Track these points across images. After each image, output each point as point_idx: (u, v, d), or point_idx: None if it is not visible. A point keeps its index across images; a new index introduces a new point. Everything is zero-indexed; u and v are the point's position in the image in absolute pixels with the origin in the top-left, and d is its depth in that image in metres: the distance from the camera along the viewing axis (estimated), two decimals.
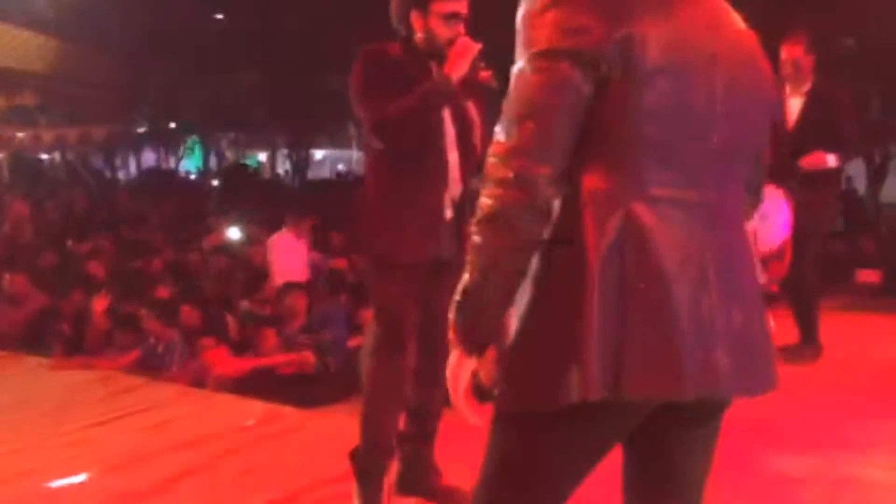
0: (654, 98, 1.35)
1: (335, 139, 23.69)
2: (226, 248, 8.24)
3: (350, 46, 3.08)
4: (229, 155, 25.15)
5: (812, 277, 4.88)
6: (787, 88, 4.79)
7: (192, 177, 23.44)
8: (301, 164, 21.13)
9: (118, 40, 17.21)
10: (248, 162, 25.06)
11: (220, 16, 17.25)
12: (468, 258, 1.39)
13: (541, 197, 1.33)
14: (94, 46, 16.92)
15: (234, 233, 8.92)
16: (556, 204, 1.37)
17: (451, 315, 1.41)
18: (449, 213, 2.75)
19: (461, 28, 2.70)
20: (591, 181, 1.37)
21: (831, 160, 4.70)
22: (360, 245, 2.91)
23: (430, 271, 2.74)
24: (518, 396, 1.41)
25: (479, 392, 1.44)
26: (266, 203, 11.85)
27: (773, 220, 4.39)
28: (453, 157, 2.77)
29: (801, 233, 4.57)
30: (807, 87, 4.77)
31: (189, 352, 5.31)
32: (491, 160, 1.36)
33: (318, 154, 27.58)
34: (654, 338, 1.34)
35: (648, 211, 1.35)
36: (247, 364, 5.00)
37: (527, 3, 1.40)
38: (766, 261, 4.85)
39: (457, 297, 1.40)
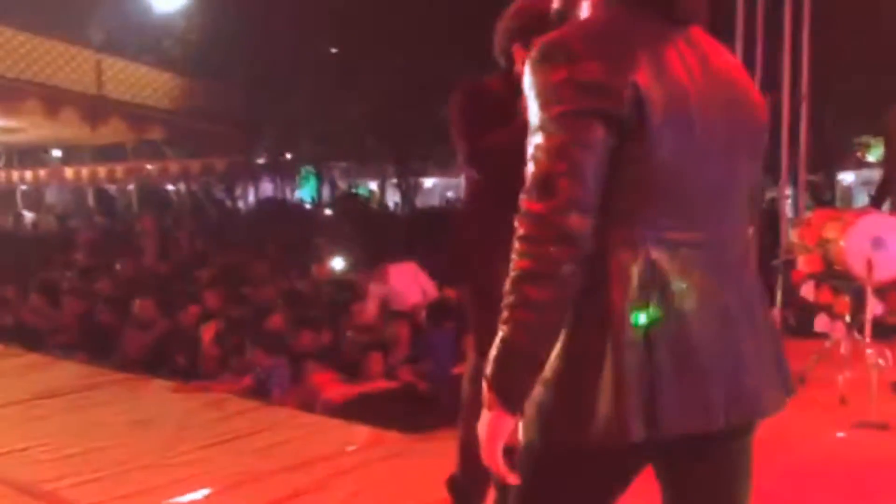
0: (662, 148, 1.42)
1: (444, 167, 24.00)
2: (335, 276, 8.46)
3: (456, 77, 3.15)
4: (341, 184, 25.82)
5: None
6: None
7: (307, 206, 24.17)
8: (410, 192, 21.50)
9: (239, 76, 18.00)
10: (360, 191, 25.65)
11: (334, 50, 17.83)
12: (505, 316, 1.41)
13: (585, 249, 1.39)
14: (216, 83, 17.74)
15: (341, 262, 9.12)
16: None
17: (490, 373, 1.43)
18: None
19: None
20: (612, 229, 1.43)
21: None
22: (459, 276, 2.96)
23: None
24: (560, 437, 1.47)
25: (508, 451, 1.46)
26: (375, 231, 12.10)
27: (891, 249, 4.23)
28: None
29: None
30: None
31: (297, 377, 5.48)
32: (528, 219, 1.40)
33: (428, 182, 27.96)
34: (682, 376, 1.42)
35: (666, 255, 1.43)
36: (353, 389, 5.13)
37: (536, 66, 1.45)
38: (885, 290, 4.66)
39: (496, 355, 1.42)
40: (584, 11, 1.56)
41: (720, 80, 1.51)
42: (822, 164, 12.81)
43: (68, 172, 23.71)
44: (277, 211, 19.61)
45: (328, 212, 20.10)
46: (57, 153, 26.02)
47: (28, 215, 22.40)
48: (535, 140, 1.44)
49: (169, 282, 8.87)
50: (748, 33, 6.57)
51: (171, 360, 6.35)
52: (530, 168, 1.44)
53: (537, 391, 1.46)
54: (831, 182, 14.76)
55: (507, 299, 1.40)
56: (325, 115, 18.11)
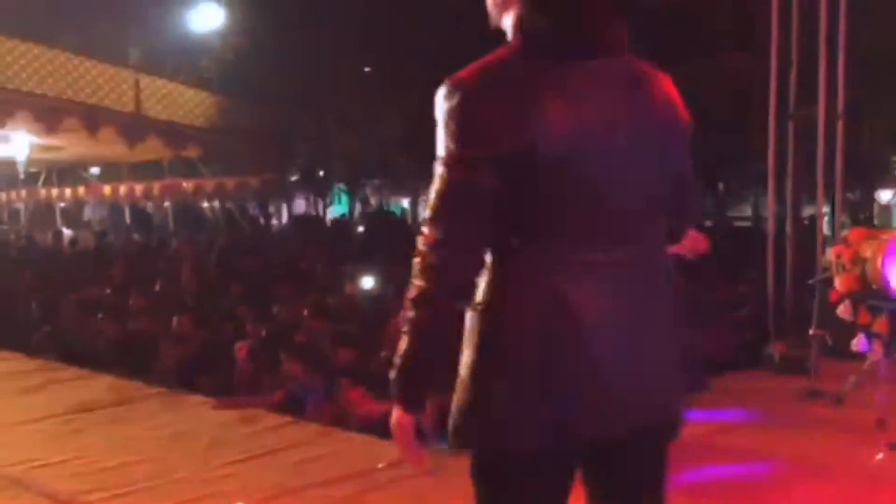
0: (561, 179, 1.54)
1: None
2: (368, 293, 8.49)
3: None
4: (374, 202, 25.94)
5: None
6: None
7: (340, 222, 24.29)
8: None
9: (273, 95, 18.22)
10: (392, 209, 25.74)
11: (367, 69, 17.98)
12: (404, 329, 1.60)
13: (463, 279, 1.57)
14: (251, 101, 17.97)
15: (371, 280, 9.14)
16: (484, 276, 1.60)
17: (391, 377, 1.62)
18: None
19: None
20: (511, 253, 1.59)
21: None
22: None
23: None
24: (474, 446, 1.66)
25: (422, 437, 1.65)
26: (408, 248, 12.12)
27: None
28: None
29: None
30: None
31: (330, 393, 5.50)
32: (421, 248, 1.57)
33: None
34: (585, 386, 1.57)
35: (564, 276, 1.57)
36: (386, 406, 5.13)
37: (441, 103, 1.58)
38: None
39: (396, 362, 1.61)
40: (509, 35, 1.66)
41: (640, 103, 1.62)
42: (860, 181, 12.65)
43: (106, 189, 24.13)
44: (310, 227, 19.75)
45: (361, 229, 20.21)
46: (95, 170, 26.48)
47: (67, 232, 22.79)
48: (435, 170, 1.59)
49: (203, 298, 8.96)
50: (783, 50, 6.53)
51: (206, 375, 6.40)
52: (430, 193, 1.60)
53: (454, 401, 1.64)
54: (869, 200, 14.56)
55: (405, 316, 1.60)
56: (358, 132, 18.24)
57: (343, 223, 21.61)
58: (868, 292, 4.20)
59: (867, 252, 4.14)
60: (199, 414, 5.37)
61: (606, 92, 1.59)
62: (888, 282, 4.14)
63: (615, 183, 1.58)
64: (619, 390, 1.58)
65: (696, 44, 10.65)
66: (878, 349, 4.62)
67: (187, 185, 22.09)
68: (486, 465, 1.66)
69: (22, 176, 20.76)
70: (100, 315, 8.15)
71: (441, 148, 1.58)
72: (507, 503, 1.65)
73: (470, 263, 1.58)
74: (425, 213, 1.60)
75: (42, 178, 25.71)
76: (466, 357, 1.62)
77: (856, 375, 4.78)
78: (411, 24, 14.71)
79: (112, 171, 25.00)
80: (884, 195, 19.36)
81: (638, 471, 1.71)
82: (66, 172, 25.50)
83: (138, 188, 22.97)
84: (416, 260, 1.58)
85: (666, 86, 1.70)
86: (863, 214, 13.62)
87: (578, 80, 1.57)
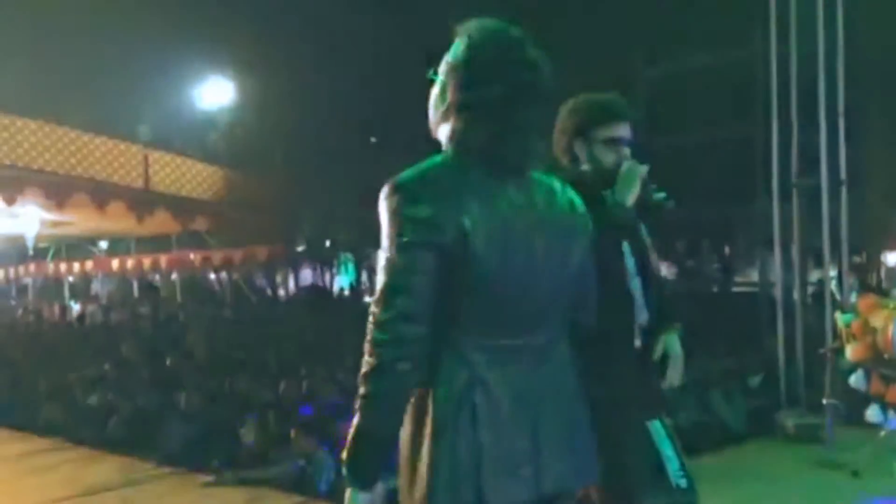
0: (484, 273, 1.79)
1: None
2: None
3: None
4: None
5: None
6: None
7: (346, 292, 24.34)
8: None
9: (279, 166, 18.45)
10: None
11: (374, 139, 18.23)
12: (356, 406, 1.75)
13: (414, 353, 1.75)
14: (257, 173, 18.20)
15: None
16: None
17: (345, 457, 1.76)
18: (638, 342, 2.66)
19: (626, 152, 2.67)
20: (444, 335, 1.80)
21: None
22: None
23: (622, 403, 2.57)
24: None
25: None
26: None
27: None
28: (636, 283, 2.69)
29: None
30: None
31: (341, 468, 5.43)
32: (372, 327, 1.76)
33: None
34: (497, 457, 1.79)
35: (485, 358, 1.82)
36: None
37: (385, 200, 1.83)
38: None
39: (349, 439, 1.75)
40: (444, 145, 1.93)
41: (552, 215, 1.91)
42: (866, 244, 12.65)
43: (114, 263, 24.25)
44: (317, 298, 19.75)
45: (367, 299, 20.21)
46: (103, 244, 26.69)
47: (75, 306, 22.85)
48: (381, 256, 1.81)
49: (211, 372, 8.93)
50: (783, 119, 6.62)
51: (213, 452, 6.34)
52: (377, 280, 1.80)
53: (399, 469, 1.82)
54: (876, 263, 14.54)
55: (359, 391, 1.75)
56: (363, 202, 18.38)
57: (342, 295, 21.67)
58: (880, 361, 4.18)
59: (877, 321, 4.13)
60: (205, 495, 5.32)
61: (525, 203, 1.88)
62: None
63: (527, 283, 1.85)
64: (526, 460, 1.82)
65: (697, 115, 10.80)
66: (893, 419, 4.57)
67: (195, 257, 22.19)
68: None
69: (31, 252, 20.93)
70: (108, 395, 8.11)
71: (386, 239, 1.81)
72: None
73: (414, 340, 1.76)
74: (374, 296, 1.79)
75: (51, 252, 25.90)
76: (405, 430, 1.83)
77: (872, 445, 4.72)
78: (420, 96, 14.95)
79: (120, 245, 25.19)
80: (891, 257, 19.34)
81: None
82: (75, 247, 25.70)
83: (146, 261, 23.08)
84: (367, 339, 1.76)
85: (573, 197, 2.01)
86: (870, 278, 13.60)
87: (501, 191, 1.85)
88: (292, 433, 5.86)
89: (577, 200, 2.00)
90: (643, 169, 2.61)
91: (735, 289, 15.98)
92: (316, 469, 5.54)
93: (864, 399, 4.80)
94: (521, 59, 1.89)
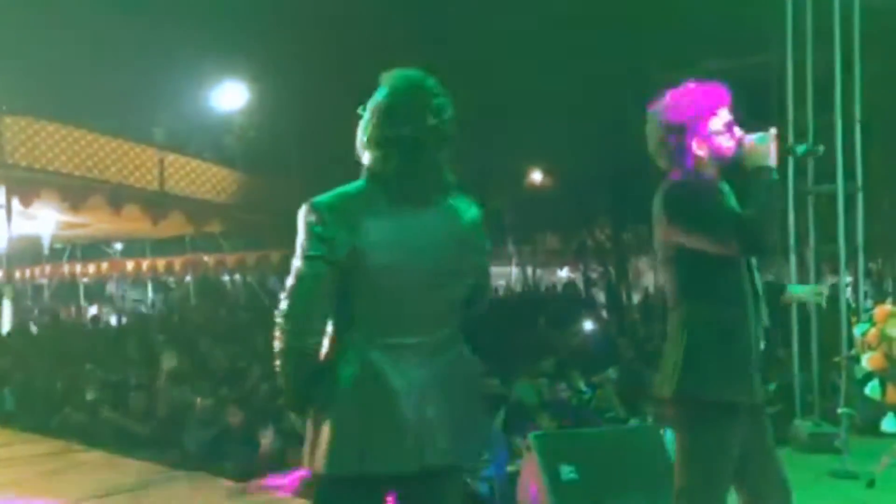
0: (377, 283, 2.22)
1: (494, 257, 24.05)
2: None
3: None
4: None
5: None
6: None
7: None
8: None
9: (295, 169, 18.51)
10: None
11: None
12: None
13: (304, 342, 2.23)
14: (273, 177, 18.25)
15: None
16: (326, 343, 2.26)
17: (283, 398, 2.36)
18: (763, 344, 2.67)
19: (737, 130, 2.66)
20: (340, 332, 2.26)
21: None
22: (676, 386, 2.62)
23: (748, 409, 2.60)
24: (311, 468, 2.25)
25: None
26: None
27: None
28: (757, 276, 2.69)
29: None
30: None
31: None
32: (277, 319, 2.23)
33: None
34: (385, 430, 2.19)
35: (382, 352, 2.23)
36: None
37: (300, 218, 2.25)
38: None
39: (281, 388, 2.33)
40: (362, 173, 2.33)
41: (442, 236, 2.28)
42: (882, 251, 12.59)
43: (129, 265, 24.38)
44: None
45: None
46: (118, 246, 26.84)
47: (90, 308, 22.99)
48: (293, 262, 2.25)
49: (228, 376, 8.98)
50: (799, 126, 6.60)
51: (230, 456, 6.38)
52: (287, 281, 2.24)
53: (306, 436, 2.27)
54: (892, 269, 14.46)
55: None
56: None
57: None
58: None
59: (892, 330, 4.11)
60: (221, 499, 5.34)
61: (424, 225, 2.25)
62: None
63: (420, 292, 2.24)
64: (412, 436, 2.20)
65: None
66: None
67: (209, 259, 22.30)
68: (316, 483, 2.31)
69: (46, 252, 21.06)
70: (125, 395, 8.16)
71: (298, 248, 2.23)
72: None
73: (310, 332, 2.22)
74: (283, 292, 2.24)
75: (66, 254, 26.07)
76: (313, 408, 2.27)
77: (888, 456, 4.70)
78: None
79: (135, 247, 25.32)
80: None
81: (431, 501, 2.31)
82: (90, 249, 25.84)
83: (160, 263, 23.21)
84: (277, 326, 2.23)
85: (474, 216, 2.36)
86: (886, 284, 13.52)
87: (402, 216, 2.23)
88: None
89: (478, 218, 2.38)
90: (771, 133, 2.59)
91: None
92: None
93: (880, 408, 4.78)
94: (430, 106, 2.26)
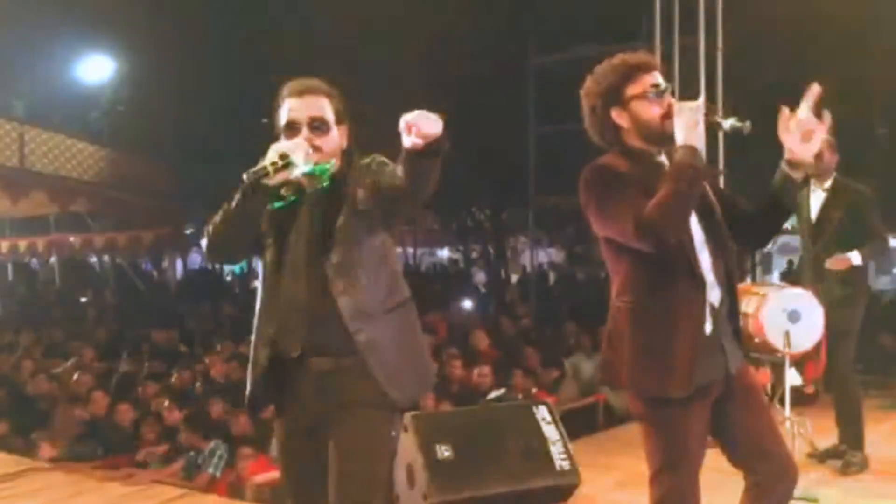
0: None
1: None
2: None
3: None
4: None
5: (852, 378, 4.83)
6: (811, 183, 4.81)
7: (235, 278, 23.87)
8: None
9: (167, 147, 17.87)
10: None
11: (265, 120, 17.89)
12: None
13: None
14: (143, 154, 17.58)
15: None
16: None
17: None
18: (709, 327, 2.43)
19: (668, 98, 2.44)
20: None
21: (855, 258, 4.65)
22: (626, 382, 2.53)
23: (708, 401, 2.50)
24: None
25: None
26: None
27: (806, 321, 4.40)
28: (704, 256, 2.44)
29: (832, 332, 4.57)
30: (828, 183, 4.79)
31: (231, 461, 5.36)
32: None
33: None
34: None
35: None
36: None
37: None
38: (802, 362, 4.82)
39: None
40: None
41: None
42: None
43: None
44: (205, 283, 19.30)
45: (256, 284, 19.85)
46: None
47: None
48: None
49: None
50: None
51: (103, 441, 6.17)
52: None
53: None
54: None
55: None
56: None
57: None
58: (751, 346, 4.39)
59: (748, 308, 4.34)
60: (91, 487, 5.16)
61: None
62: (768, 336, 4.35)
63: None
64: None
65: None
66: None
67: (75, 239, 21.28)
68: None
69: None
70: None
71: None
72: None
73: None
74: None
75: None
76: None
77: None
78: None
79: None
80: None
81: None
82: None
83: (22, 244, 21.99)
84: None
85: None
86: (746, 263, 14.24)
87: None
88: (181, 427, 5.75)
89: None
90: (697, 103, 2.40)
91: None
92: (205, 462, 5.45)
93: None
94: None
